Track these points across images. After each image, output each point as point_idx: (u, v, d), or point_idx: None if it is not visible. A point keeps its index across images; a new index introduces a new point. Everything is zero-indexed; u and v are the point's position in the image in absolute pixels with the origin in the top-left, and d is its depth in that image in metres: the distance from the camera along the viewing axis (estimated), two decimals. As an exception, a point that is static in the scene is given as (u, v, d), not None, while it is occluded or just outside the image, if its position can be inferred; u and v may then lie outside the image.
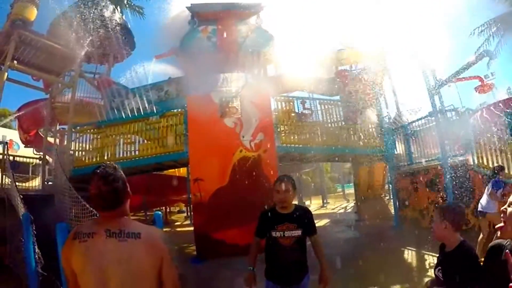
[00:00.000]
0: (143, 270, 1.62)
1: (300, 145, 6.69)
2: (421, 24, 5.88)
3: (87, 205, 4.10)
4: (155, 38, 6.96)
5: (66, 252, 1.67)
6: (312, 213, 2.88)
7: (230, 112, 5.89)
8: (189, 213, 12.13)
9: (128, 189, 1.71)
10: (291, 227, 2.70)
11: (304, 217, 2.74)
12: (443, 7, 5.97)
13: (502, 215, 1.61)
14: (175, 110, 6.32)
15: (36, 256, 3.92)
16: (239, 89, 6.26)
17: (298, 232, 2.70)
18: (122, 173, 1.67)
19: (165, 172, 9.71)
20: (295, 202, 3.20)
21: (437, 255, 2.09)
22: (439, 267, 2.01)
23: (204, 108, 5.83)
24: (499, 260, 1.56)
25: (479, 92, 11.13)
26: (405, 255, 5.19)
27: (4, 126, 14.71)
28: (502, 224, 1.60)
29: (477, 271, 1.78)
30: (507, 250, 1.53)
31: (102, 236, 1.63)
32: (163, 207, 13.73)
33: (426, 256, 5.02)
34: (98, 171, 1.64)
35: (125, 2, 11.60)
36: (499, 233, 1.62)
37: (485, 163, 5.58)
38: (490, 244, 1.67)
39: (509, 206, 1.59)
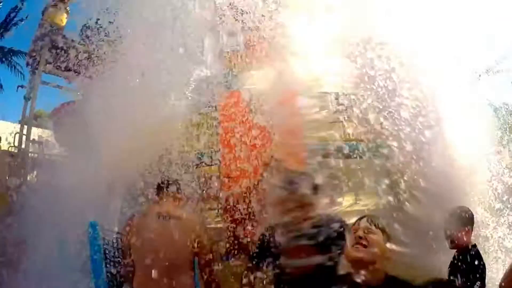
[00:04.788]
0: (181, 243, 2.34)
1: (332, 142, 6.57)
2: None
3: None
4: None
5: (126, 229, 2.52)
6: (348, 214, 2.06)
7: (260, 109, 5.86)
8: (219, 211, 12.17)
9: (180, 189, 2.83)
10: (309, 251, 1.71)
11: (332, 235, 1.76)
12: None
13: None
14: (206, 108, 6.34)
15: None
16: (268, 86, 6.21)
17: (319, 259, 1.75)
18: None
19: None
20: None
21: None
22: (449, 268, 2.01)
23: (235, 106, 5.82)
24: None
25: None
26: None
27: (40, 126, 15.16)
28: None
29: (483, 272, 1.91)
30: None
31: (154, 218, 2.41)
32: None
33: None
34: None
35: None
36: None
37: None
38: None
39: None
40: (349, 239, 1.58)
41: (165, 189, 2.54)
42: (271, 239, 2.09)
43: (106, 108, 6.08)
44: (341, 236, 1.92)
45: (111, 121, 6.33)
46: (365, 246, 1.51)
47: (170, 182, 2.64)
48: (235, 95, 5.98)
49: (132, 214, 2.50)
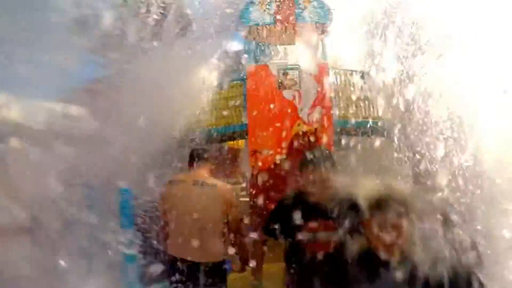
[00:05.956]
0: (214, 209, 2.51)
1: (359, 119, 6.57)
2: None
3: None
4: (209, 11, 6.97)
5: (163, 193, 2.72)
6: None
7: (289, 84, 5.88)
8: (245, 184, 12.29)
9: (204, 154, 2.91)
10: (327, 226, 1.89)
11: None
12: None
13: None
14: (234, 82, 6.38)
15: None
16: (298, 61, 6.20)
17: (337, 233, 1.83)
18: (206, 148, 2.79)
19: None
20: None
21: None
22: None
23: (263, 80, 5.85)
24: None
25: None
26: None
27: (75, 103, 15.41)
28: None
29: None
30: None
31: (189, 184, 2.58)
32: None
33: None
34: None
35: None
36: None
37: None
38: None
39: None
40: (375, 222, 1.59)
41: (197, 159, 2.66)
42: (287, 211, 2.08)
43: (137, 81, 6.19)
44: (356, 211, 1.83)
45: (141, 93, 6.45)
46: (397, 232, 1.55)
47: (202, 152, 2.74)
48: (263, 69, 6.00)
49: (168, 181, 2.64)
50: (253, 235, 2.42)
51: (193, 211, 2.45)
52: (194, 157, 2.70)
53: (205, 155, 2.70)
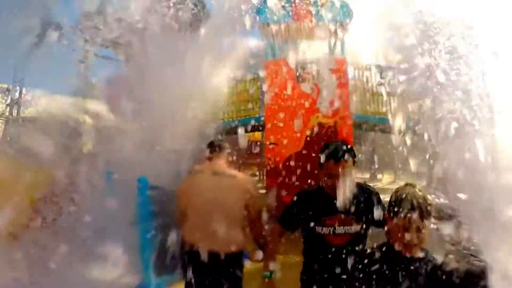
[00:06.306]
0: (234, 199, 2.38)
1: (376, 115, 6.56)
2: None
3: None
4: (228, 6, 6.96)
5: (182, 183, 2.60)
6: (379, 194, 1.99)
7: (306, 78, 5.88)
8: (261, 177, 12.31)
9: (223, 145, 2.65)
10: (346, 220, 1.89)
11: (367, 204, 1.92)
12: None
13: None
14: (252, 75, 6.42)
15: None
16: (316, 55, 6.20)
17: (355, 228, 1.89)
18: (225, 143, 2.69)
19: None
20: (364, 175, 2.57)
21: None
22: None
23: (281, 74, 5.86)
24: None
25: None
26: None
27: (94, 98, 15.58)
28: None
29: None
30: None
31: (208, 175, 2.48)
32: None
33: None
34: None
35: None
36: None
37: None
38: None
39: None
40: (396, 221, 1.57)
41: (216, 150, 2.65)
42: (303, 205, 2.02)
43: (156, 77, 6.25)
44: (372, 205, 1.93)
45: (161, 88, 6.50)
46: (419, 232, 1.56)
47: (221, 143, 2.73)
48: (281, 63, 6.01)
49: (188, 171, 2.67)
50: (269, 226, 2.44)
51: (212, 201, 2.40)
52: (213, 148, 2.67)
53: (224, 146, 2.67)
